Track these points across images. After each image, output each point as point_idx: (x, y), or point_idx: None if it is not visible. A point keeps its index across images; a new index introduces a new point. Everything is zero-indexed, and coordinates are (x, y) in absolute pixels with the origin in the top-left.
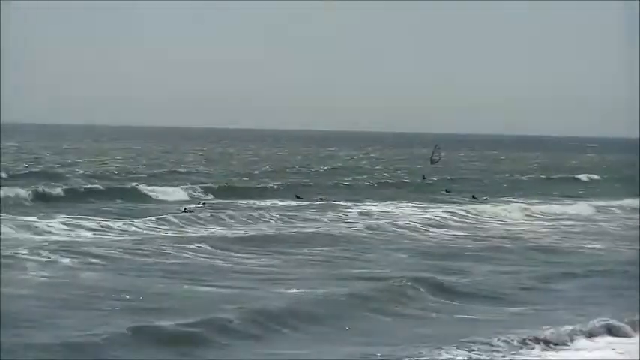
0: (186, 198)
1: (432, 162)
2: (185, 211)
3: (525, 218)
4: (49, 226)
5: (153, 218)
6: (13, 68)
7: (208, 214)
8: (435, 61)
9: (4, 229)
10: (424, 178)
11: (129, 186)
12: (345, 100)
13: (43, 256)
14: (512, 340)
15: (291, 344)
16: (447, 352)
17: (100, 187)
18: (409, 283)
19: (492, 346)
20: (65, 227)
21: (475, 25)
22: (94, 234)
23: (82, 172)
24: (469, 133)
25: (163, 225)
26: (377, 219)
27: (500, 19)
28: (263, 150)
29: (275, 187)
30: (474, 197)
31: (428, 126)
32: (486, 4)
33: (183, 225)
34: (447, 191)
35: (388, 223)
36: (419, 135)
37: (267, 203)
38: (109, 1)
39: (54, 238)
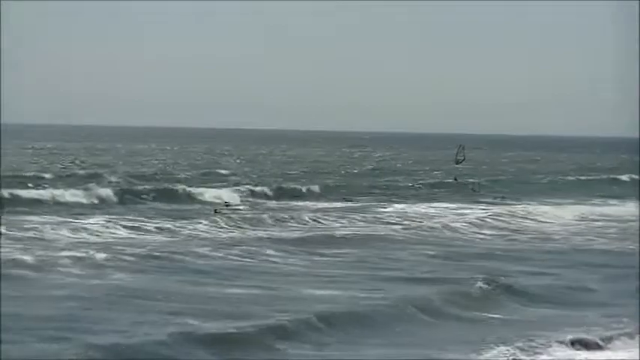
0: (233, 200)
1: (457, 162)
2: (216, 212)
3: (566, 218)
4: (89, 226)
5: (190, 219)
6: (13, 68)
7: (241, 215)
8: (438, 62)
9: (44, 229)
10: (456, 180)
11: (173, 187)
12: (347, 101)
13: (82, 257)
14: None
15: (342, 347)
16: (483, 353)
17: (143, 188)
18: (478, 285)
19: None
20: (105, 227)
21: (475, 26)
22: (132, 234)
23: (121, 172)
24: (470, 134)
25: (198, 225)
26: (418, 220)
27: (500, 19)
28: (294, 150)
29: (313, 188)
30: (503, 198)
31: (427, 126)
32: (489, 4)
33: (217, 226)
34: (473, 190)
35: (436, 224)
36: (424, 136)
37: (305, 204)
38: (109, 1)
39: (93, 238)
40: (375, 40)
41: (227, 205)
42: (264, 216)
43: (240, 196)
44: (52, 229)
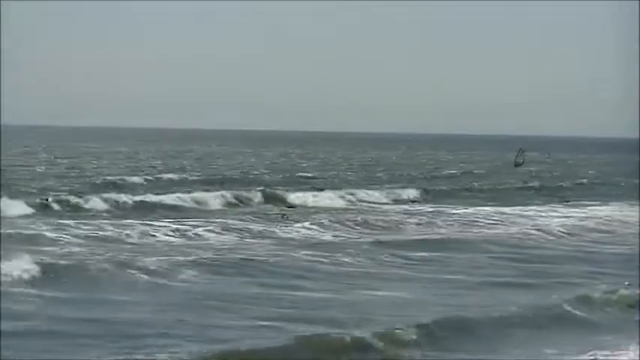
0: (341, 205)
1: (517, 165)
2: (283, 217)
3: None
4: (181, 229)
5: (277, 222)
6: (13, 68)
7: (331, 218)
8: (438, 62)
9: (131, 233)
10: (525, 183)
11: (260, 190)
12: (347, 101)
13: (167, 261)
14: None
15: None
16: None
17: (228, 191)
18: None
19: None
20: (198, 230)
21: (475, 25)
22: (220, 237)
23: (206, 175)
24: (470, 134)
25: (285, 228)
26: (499, 223)
27: (500, 19)
28: (369, 153)
29: (404, 192)
30: (566, 201)
31: (427, 126)
32: (488, 4)
33: (305, 229)
34: (537, 190)
35: (518, 227)
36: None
37: (391, 207)
38: (109, 1)
39: (180, 241)
40: (375, 40)
41: (290, 207)
42: (358, 218)
43: (335, 201)
44: (137, 233)
